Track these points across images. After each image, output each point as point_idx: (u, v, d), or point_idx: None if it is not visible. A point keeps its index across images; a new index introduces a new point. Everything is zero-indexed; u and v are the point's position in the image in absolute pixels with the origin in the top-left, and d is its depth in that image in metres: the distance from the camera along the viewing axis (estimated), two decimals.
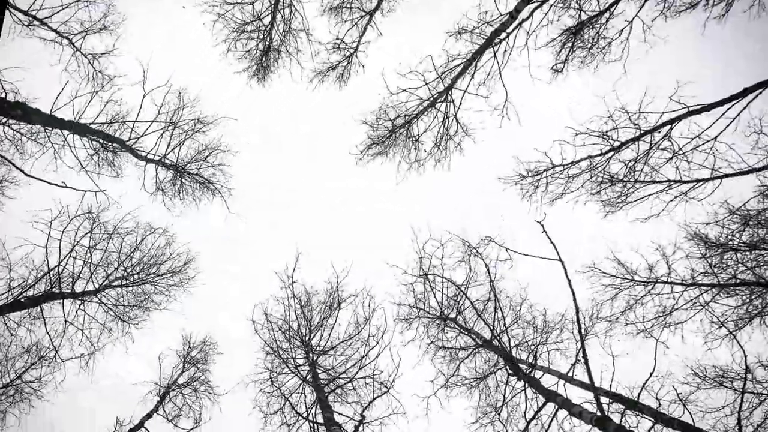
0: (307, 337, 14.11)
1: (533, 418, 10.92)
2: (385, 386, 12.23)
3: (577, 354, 10.11)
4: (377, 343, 13.03)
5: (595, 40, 11.78)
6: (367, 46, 13.65)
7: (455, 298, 13.34)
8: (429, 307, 13.57)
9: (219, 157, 14.49)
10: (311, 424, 11.48)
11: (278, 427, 12.81)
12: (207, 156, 14.24)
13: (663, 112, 10.95)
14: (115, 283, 14.97)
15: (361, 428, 11.70)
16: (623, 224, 12.64)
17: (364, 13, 13.19)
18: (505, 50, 12.04)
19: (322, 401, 12.00)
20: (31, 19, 12.19)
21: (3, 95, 10.89)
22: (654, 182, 11.78)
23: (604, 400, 10.91)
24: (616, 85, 11.21)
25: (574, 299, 9.52)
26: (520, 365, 11.97)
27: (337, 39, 13.41)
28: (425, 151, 13.57)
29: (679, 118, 10.90)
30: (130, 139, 12.86)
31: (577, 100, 12.34)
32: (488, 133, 12.87)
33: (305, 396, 13.47)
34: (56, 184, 11.20)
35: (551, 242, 9.72)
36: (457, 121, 12.98)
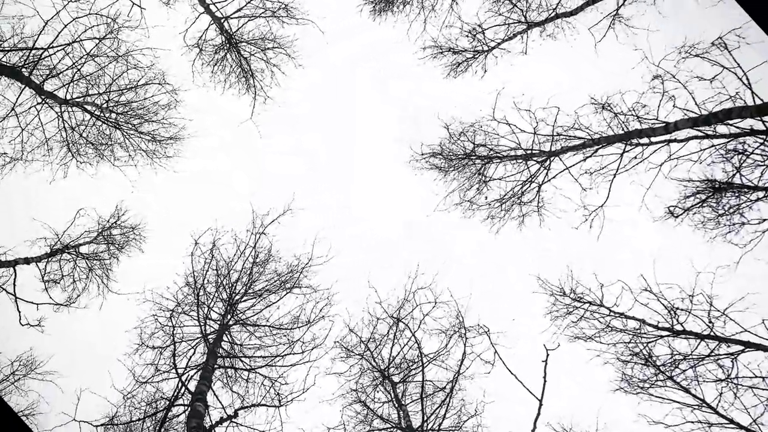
0: (237, 297, 12.78)
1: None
2: (279, 401, 10.97)
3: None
4: (302, 352, 11.71)
5: (732, 211, 10.33)
6: (503, 53, 12.59)
7: (410, 364, 12.17)
8: (378, 354, 12.41)
9: (279, 58, 13.10)
10: (180, 384, 10.23)
11: (146, 363, 11.84)
12: (268, 48, 12.75)
13: (746, 330, 9.83)
14: (89, 108, 12.64)
15: (225, 424, 10.51)
16: (629, 406, 11.30)
17: (523, 20, 12.08)
18: (636, 157, 10.61)
19: (207, 370, 10.91)
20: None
21: None
22: (688, 392, 10.61)
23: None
24: (720, 269, 9.98)
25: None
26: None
27: (479, 26, 12.24)
28: (486, 198, 12.28)
29: (758, 347, 9.79)
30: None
31: (668, 252, 11.20)
32: (558, 223, 11.79)
33: (194, 353, 12.20)
34: None
35: (544, 378, 8.66)
36: (539, 191, 11.70)
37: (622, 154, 10.75)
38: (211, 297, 12.61)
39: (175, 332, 11.73)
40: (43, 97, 11.67)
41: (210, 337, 11.98)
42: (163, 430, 11.16)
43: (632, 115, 10.46)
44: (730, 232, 10.51)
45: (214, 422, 10.59)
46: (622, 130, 10.64)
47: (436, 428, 10.83)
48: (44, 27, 10.56)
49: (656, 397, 10.92)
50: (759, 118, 8.70)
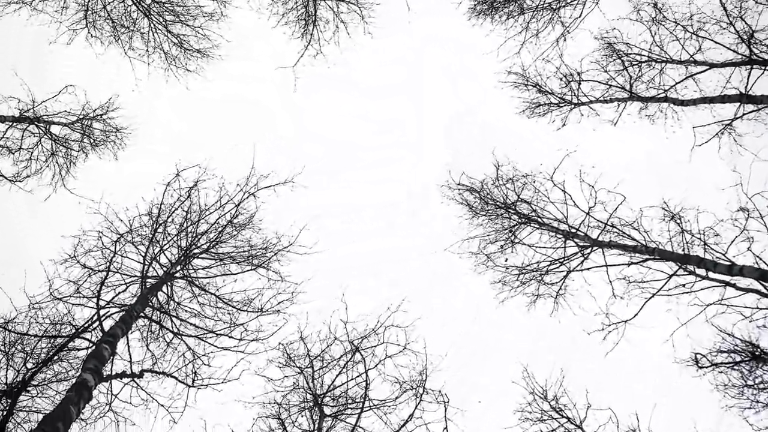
0: (195, 250, 11.89)
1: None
2: (193, 380, 10.47)
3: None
4: (240, 339, 10.95)
5: (763, 388, 9.53)
6: (591, 114, 12.13)
7: (349, 402, 11.42)
8: (321, 376, 11.64)
9: (351, 15, 12.22)
10: (96, 317, 9.62)
11: (68, 282, 11.09)
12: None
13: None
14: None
15: (126, 380, 10.07)
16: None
17: (627, 89, 11.38)
18: (684, 285, 9.89)
19: (130, 317, 10.03)
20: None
21: None
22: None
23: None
24: None
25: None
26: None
27: (577, 73, 11.74)
28: (506, 260, 11.71)
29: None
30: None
31: (673, 402, 10.91)
32: (571, 318, 11.03)
33: (124, 291, 11.37)
34: None
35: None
36: (566, 276, 10.81)
37: (670, 276, 10.03)
38: (169, 239, 11.78)
39: (113, 259, 10.99)
40: None
41: (149, 281, 11.21)
42: (56, 357, 10.60)
43: (699, 238, 9.84)
44: (750, 408, 9.65)
45: (114, 373, 9.92)
46: (683, 250, 10.03)
47: None
48: None
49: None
50: None
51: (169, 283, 12.05)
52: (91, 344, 10.30)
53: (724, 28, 10.70)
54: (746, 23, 10.32)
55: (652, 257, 10.26)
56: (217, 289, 12.16)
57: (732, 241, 9.53)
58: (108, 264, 10.98)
